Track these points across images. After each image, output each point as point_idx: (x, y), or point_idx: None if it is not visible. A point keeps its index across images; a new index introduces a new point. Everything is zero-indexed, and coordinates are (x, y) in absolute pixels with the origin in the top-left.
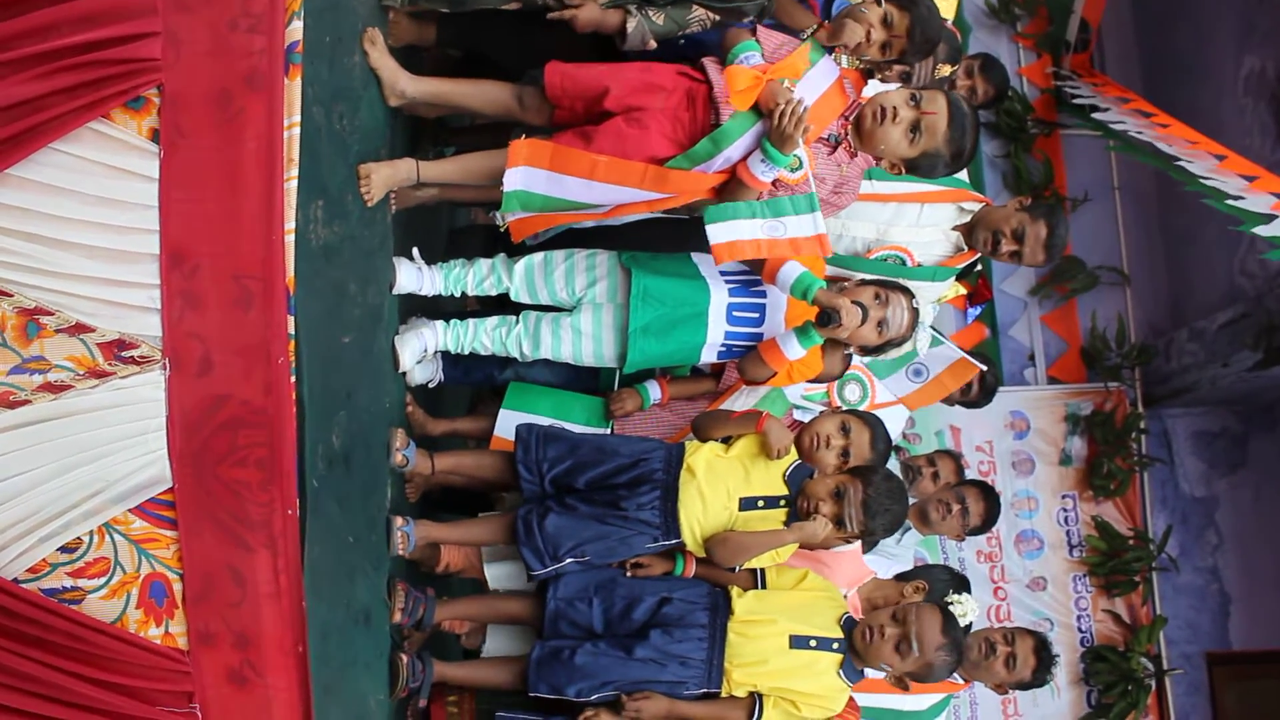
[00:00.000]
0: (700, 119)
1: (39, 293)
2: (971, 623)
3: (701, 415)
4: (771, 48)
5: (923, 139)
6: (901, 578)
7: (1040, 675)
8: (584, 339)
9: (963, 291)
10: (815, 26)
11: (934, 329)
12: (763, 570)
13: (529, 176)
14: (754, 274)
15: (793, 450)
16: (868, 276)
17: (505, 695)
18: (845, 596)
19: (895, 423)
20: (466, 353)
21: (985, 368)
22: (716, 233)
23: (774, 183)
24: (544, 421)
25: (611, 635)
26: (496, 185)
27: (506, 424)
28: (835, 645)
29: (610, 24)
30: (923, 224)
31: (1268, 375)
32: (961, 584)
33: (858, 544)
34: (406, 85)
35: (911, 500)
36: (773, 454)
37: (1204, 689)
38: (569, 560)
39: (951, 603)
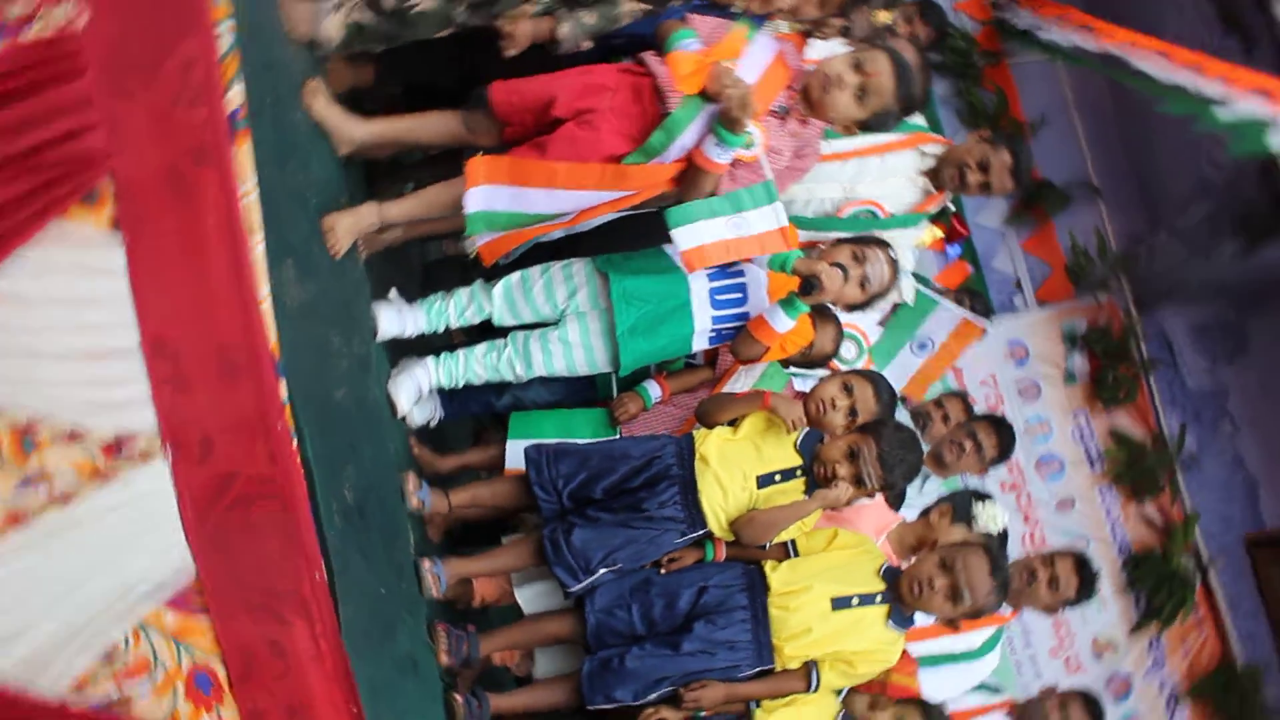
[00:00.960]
0: (650, 111)
1: (27, 407)
2: (1006, 529)
3: (704, 402)
4: (707, 31)
5: (871, 99)
6: (924, 512)
7: (1085, 591)
8: (574, 349)
9: (939, 234)
10: (742, 6)
11: (919, 277)
12: (793, 538)
13: (490, 195)
14: None
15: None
16: (843, 235)
17: (565, 715)
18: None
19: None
20: (461, 385)
21: (987, 324)
22: (682, 237)
23: (732, 163)
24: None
25: (656, 634)
26: (460, 214)
27: (515, 454)
28: (879, 598)
29: (544, 32)
30: (887, 174)
31: (1252, 259)
32: (982, 496)
33: (879, 506)
34: (355, 131)
35: (926, 447)
36: (789, 427)
37: (1247, 573)
38: (602, 570)
39: (979, 515)
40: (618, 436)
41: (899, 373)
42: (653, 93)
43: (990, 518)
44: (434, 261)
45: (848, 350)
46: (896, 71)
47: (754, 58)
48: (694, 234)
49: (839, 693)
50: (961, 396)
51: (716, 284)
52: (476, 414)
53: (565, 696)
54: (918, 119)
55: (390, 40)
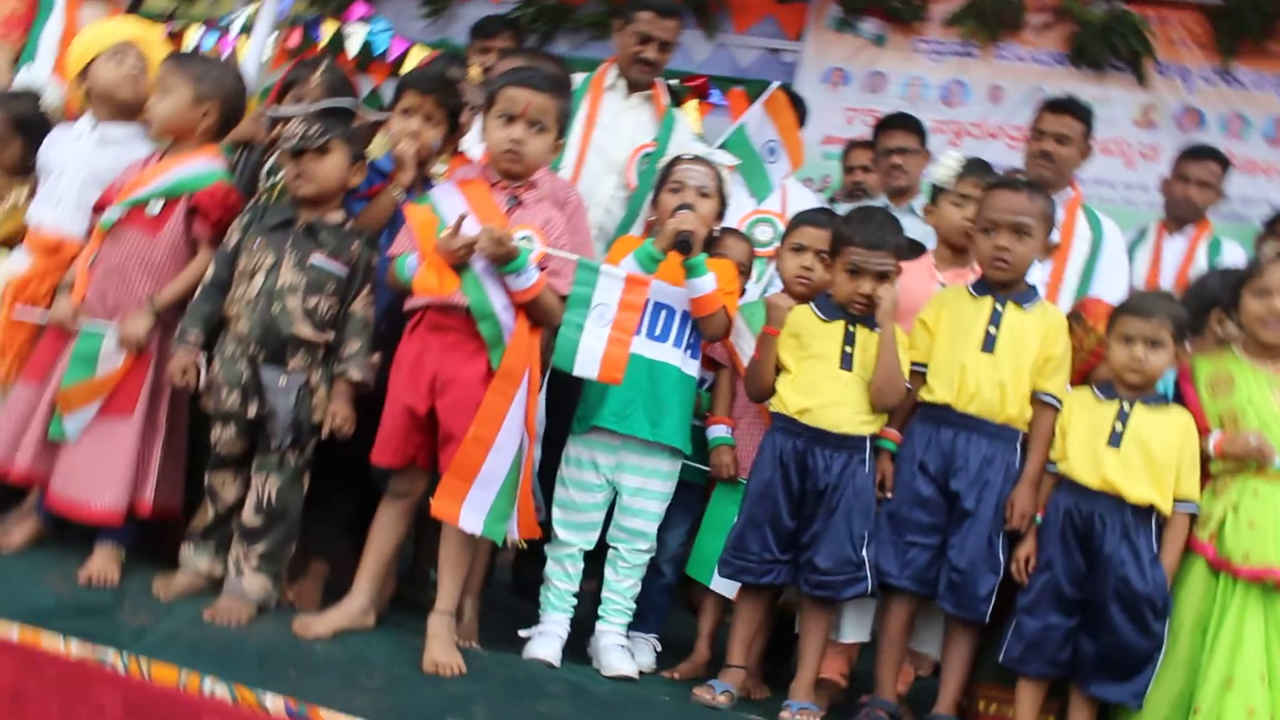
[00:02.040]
0: (460, 325)
1: None
2: (975, 158)
3: (746, 387)
4: (409, 243)
5: (543, 118)
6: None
7: (1079, 111)
8: (648, 485)
9: (694, 104)
10: (398, 191)
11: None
12: (909, 363)
13: (473, 506)
14: None
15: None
16: (651, 195)
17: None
18: (943, 285)
19: (807, 199)
20: (633, 607)
21: (775, 82)
22: (581, 367)
23: (542, 268)
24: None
25: (946, 531)
26: (480, 540)
27: (723, 585)
28: (996, 305)
29: (351, 393)
30: (617, 129)
31: None
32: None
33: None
34: (356, 605)
35: (883, 200)
36: (794, 303)
37: None
38: (863, 554)
39: (943, 177)
40: (746, 484)
41: (777, 177)
42: (443, 314)
43: (947, 168)
44: (513, 581)
45: (764, 234)
46: (533, 83)
47: (450, 206)
48: (587, 357)
49: (1082, 384)
50: (855, 143)
51: (643, 329)
52: (667, 603)
53: (975, 639)
54: (579, 80)
55: (296, 528)
